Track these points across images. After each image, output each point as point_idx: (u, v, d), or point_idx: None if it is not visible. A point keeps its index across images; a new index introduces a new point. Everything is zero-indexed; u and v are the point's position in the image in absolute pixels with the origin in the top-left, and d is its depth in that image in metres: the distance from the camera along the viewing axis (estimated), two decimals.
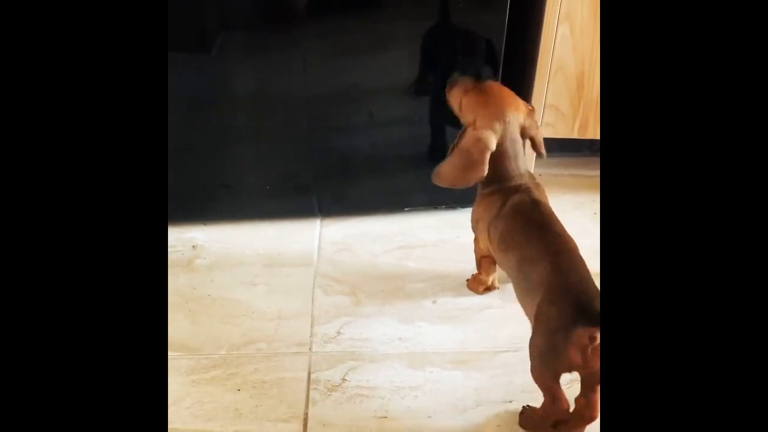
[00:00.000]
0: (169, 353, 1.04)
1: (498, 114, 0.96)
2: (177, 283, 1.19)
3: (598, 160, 1.53)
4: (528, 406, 0.95)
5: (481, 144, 0.95)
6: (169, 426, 0.94)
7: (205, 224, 1.34)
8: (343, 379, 1.02)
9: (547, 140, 1.36)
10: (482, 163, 0.95)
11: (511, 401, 0.98)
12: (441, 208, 1.37)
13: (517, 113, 0.97)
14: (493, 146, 0.95)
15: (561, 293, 0.86)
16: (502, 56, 1.19)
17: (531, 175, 1.02)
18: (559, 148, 1.53)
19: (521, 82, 1.35)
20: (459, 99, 1.00)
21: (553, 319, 0.84)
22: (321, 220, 1.35)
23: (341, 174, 1.31)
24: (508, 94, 0.99)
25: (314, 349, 1.07)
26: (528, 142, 1.01)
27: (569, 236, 0.94)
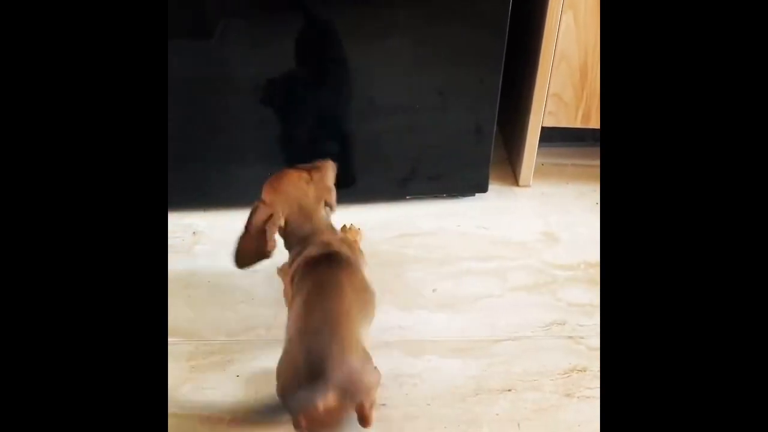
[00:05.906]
0: (169, 339, 1.04)
1: (282, 195, 1.01)
2: (176, 268, 1.19)
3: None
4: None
5: (270, 220, 0.99)
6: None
7: (205, 210, 1.34)
8: None
9: (549, 130, 1.37)
10: (271, 238, 0.99)
11: (509, 390, 0.98)
12: (442, 197, 1.37)
13: (299, 187, 1.02)
14: (281, 222, 1.00)
15: (298, 337, 0.87)
16: (506, 46, 1.18)
17: (331, 228, 1.03)
18: (562, 137, 1.52)
19: (525, 72, 1.34)
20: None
21: (286, 372, 0.87)
22: None
23: (342, 161, 1.30)
24: (292, 176, 1.03)
25: None
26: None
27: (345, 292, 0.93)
